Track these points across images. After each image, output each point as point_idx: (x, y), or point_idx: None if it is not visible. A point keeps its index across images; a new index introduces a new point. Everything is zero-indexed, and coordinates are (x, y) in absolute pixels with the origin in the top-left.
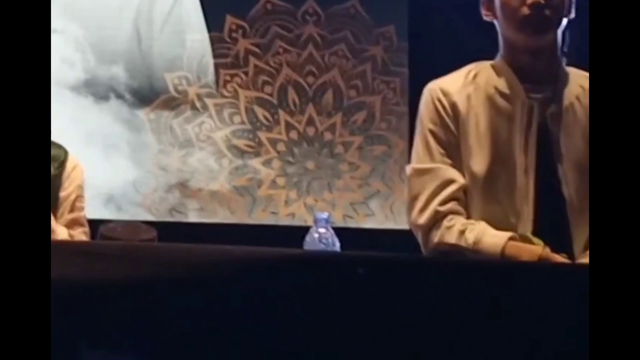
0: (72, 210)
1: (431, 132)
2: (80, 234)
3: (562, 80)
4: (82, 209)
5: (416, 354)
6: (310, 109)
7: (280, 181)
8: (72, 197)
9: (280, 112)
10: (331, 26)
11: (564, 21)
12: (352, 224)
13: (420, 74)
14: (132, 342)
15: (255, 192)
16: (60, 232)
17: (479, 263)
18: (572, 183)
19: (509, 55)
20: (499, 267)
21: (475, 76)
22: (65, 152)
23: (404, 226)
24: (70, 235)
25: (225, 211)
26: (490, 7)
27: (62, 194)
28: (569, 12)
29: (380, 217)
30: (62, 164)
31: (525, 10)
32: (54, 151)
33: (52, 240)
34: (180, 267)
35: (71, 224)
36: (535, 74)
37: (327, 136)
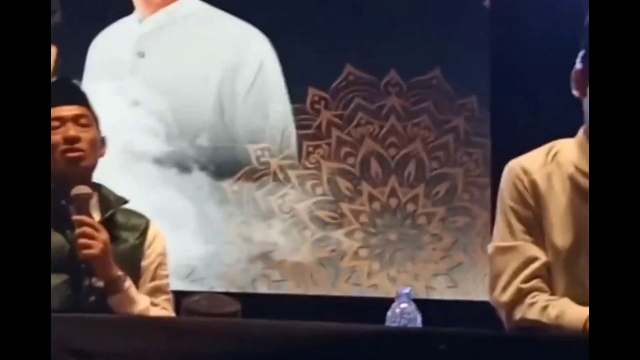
0: (154, 278)
1: (512, 209)
2: (164, 302)
3: None
4: (164, 276)
5: None
6: (393, 180)
7: (363, 252)
8: (154, 265)
9: (363, 183)
10: (413, 97)
11: None
12: (435, 295)
13: (503, 145)
14: None
15: (338, 263)
16: (141, 300)
17: (562, 338)
18: None
19: None
20: (581, 341)
21: (556, 154)
22: (147, 221)
23: (487, 298)
24: (153, 303)
25: (308, 283)
26: (582, 88)
27: (144, 263)
28: None
29: (463, 288)
30: (143, 233)
31: None
32: (135, 220)
33: (136, 316)
34: (264, 343)
35: (153, 292)
36: None
37: (410, 207)
